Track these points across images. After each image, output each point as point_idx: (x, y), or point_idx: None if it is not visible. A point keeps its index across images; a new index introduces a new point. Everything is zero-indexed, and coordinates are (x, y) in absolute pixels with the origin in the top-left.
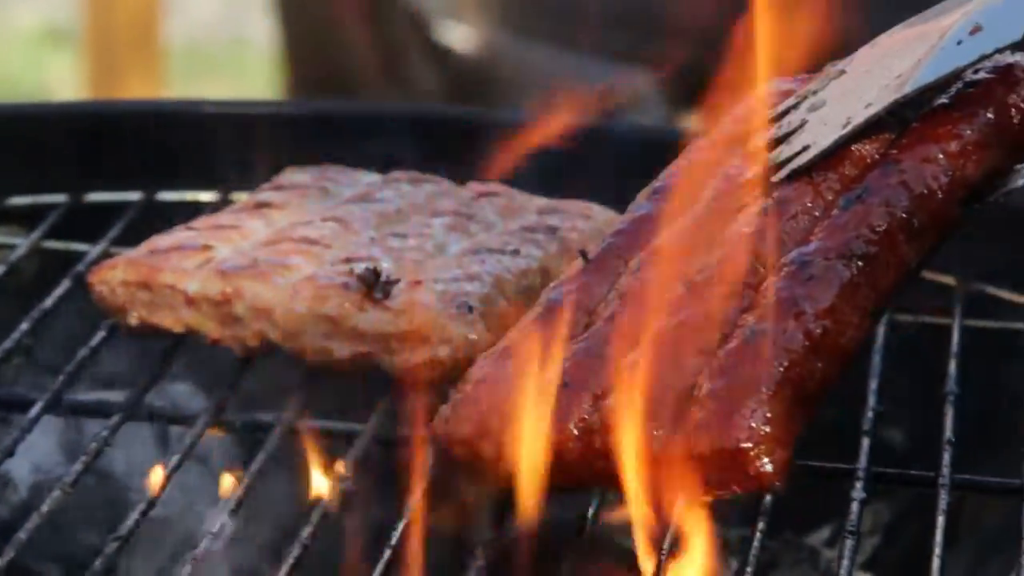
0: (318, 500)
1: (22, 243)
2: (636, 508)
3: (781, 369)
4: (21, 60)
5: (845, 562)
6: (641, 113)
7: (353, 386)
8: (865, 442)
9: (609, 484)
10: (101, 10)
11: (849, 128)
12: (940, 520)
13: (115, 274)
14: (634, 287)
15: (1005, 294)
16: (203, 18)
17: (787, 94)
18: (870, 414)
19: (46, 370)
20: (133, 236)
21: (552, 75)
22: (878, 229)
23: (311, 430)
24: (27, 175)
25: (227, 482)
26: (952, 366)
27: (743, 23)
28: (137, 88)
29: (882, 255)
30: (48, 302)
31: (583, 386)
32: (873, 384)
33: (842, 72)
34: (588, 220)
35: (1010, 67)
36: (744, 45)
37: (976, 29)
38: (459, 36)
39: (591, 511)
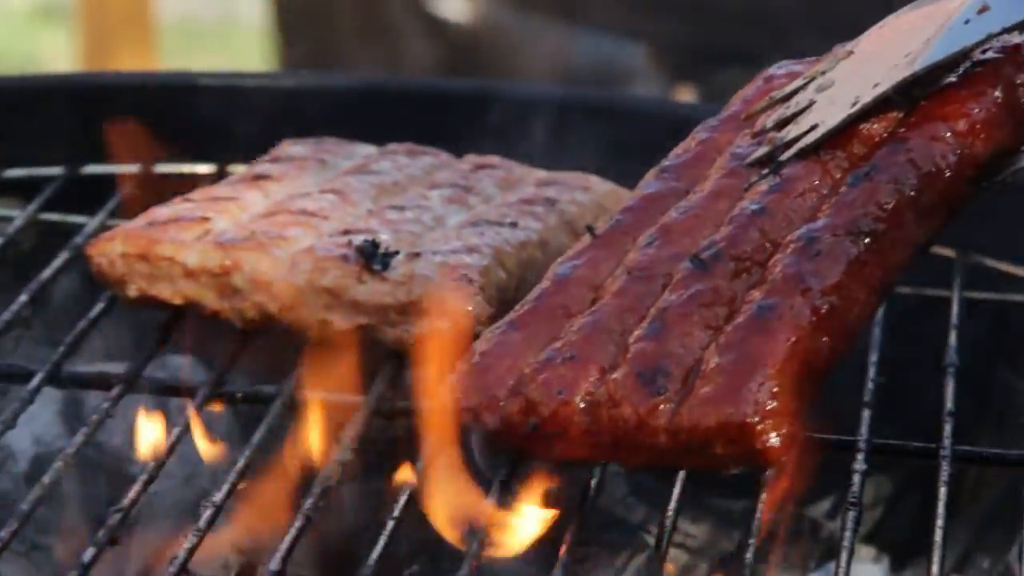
0: (320, 472)
1: (19, 215)
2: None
3: (788, 344)
4: (11, 35)
5: (847, 534)
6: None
7: (352, 358)
8: (866, 414)
9: (613, 457)
10: None
11: (857, 107)
12: (942, 491)
13: (114, 246)
14: (642, 262)
15: (1004, 266)
16: None
17: (795, 75)
18: (871, 386)
19: (45, 342)
20: (131, 208)
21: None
22: (886, 206)
23: (312, 402)
24: (24, 147)
25: (228, 454)
26: (952, 338)
27: None
28: (129, 63)
29: (890, 232)
30: (46, 274)
31: (589, 360)
32: (873, 356)
33: (850, 53)
34: (587, 192)
35: (1017, 47)
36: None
37: (984, 8)
38: (455, 8)
39: (594, 482)
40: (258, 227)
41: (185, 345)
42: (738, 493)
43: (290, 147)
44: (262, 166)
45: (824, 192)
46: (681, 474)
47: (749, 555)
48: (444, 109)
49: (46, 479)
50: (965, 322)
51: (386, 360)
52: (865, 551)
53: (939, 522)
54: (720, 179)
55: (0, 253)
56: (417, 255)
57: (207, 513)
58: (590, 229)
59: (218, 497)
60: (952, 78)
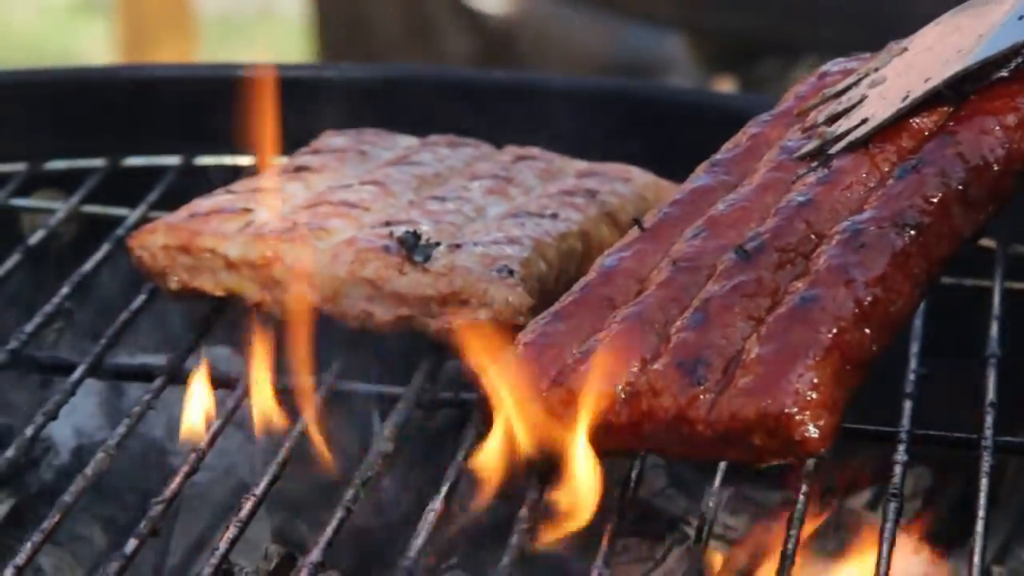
0: (359, 463)
1: (61, 208)
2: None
3: (830, 336)
4: (51, 29)
5: (888, 525)
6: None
7: (394, 349)
8: (907, 405)
9: (654, 448)
10: None
11: (908, 101)
12: (984, 482)
13: (155, 238)
14: (687, 254)
15: None
16: None
17: (849, 72)
18: (912, 376)
19: (87, 334)
20: (172, 200)
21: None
22: (932, 199)
23: (352, 393)
24: (65, 140)
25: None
26: (994, 328)
27: None
28: (168, 56)
29: (935, 225)
30: (88, 266)
31: (632, 350)
32: (915, 347)
33: (904, 49)
34: (627, 183)
35: None
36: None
37: None
38: (493, 0)
39: (634, 474)
40: (299, 218)
41: (226, 336)
42: (779, 485)
43: (331, 138)
44: (303, 158)
45: (871, 185)
46: (721, 466)
47: (790, 546)
48: (484, 100)
49: (88, 471)
50: (1007, 312)
51: (427, 352)
52: (906, 542)
53: (980, 513)
54: (768, 172)
55: (42, 245)
56: (458, 246)
57: (248, 504)
58: (637, 222)
59: (259, 489)
60: (1003, 73)
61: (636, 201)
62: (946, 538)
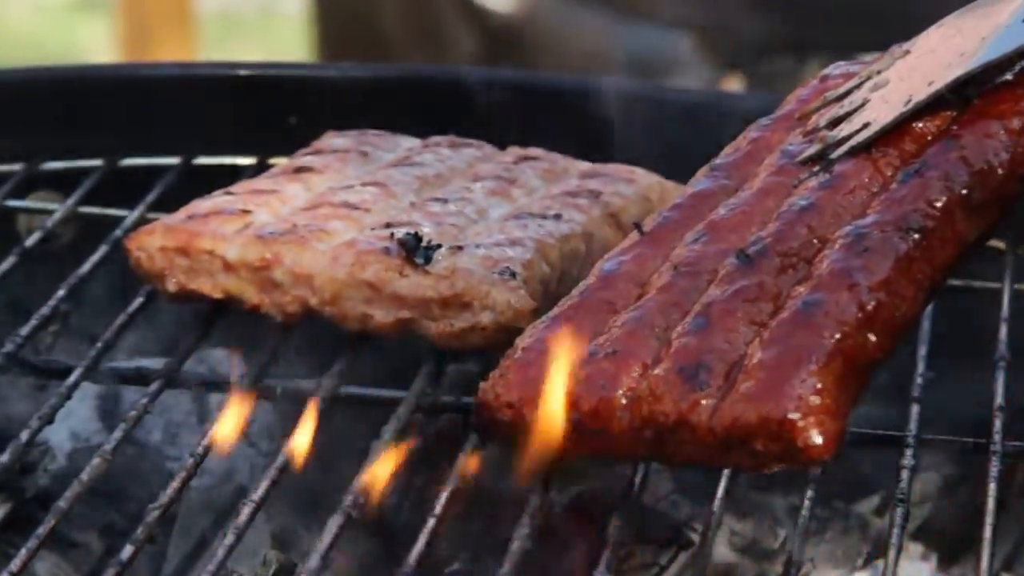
0: (360, 467)
1: (58, 208)
2: None
3: (833, 341)
4: (51, 27)
5: (895, 530)
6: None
7: (394, 352)
8: (915, 408)
9: (655, 454)
10: None
11: (911, 105)
12: (992, 487)
13: (153, 240)
14: (688, 258)
15: None
16: None
17: (851, 75)
18: (919, 380)
19: (84, 337)
20: (170, 201)
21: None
22: (936, 203)
23: (352, 397)
24: (63, 139)
25: (267, 450)
26: (1003, 331)
27: None
28: (168, 55)
29: (939, 229)
30: (85, 268)
31: (632, 355)
32: (923, 350)
33: (907, 52)
34: (631, 184)
35: None
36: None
37: None
38: None
39: (638, 479)
40: (299, 220)
41: (224, 340)
42: (784, 490)
43: (332, 139)
44: (303, 158)
45: (874, 190)
46: (726, 471)
47: (795, 550)
48: (487, 100)
49: (84, 475)
50: (1016, 315)
51: (428, 355)
52: (913, 548)
53: (989, 519)
54: (769, 176)
55: (39, 246)
56: (460, 248)
57: (246, 510)
58: (638, 226)
59: (257, 494)
60: (1007, 77)
61: (640, 202)
62: (954, 544)
